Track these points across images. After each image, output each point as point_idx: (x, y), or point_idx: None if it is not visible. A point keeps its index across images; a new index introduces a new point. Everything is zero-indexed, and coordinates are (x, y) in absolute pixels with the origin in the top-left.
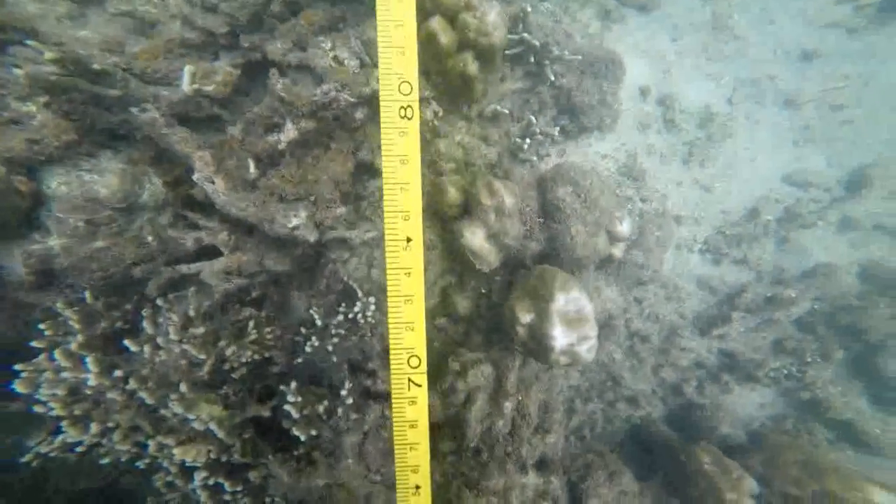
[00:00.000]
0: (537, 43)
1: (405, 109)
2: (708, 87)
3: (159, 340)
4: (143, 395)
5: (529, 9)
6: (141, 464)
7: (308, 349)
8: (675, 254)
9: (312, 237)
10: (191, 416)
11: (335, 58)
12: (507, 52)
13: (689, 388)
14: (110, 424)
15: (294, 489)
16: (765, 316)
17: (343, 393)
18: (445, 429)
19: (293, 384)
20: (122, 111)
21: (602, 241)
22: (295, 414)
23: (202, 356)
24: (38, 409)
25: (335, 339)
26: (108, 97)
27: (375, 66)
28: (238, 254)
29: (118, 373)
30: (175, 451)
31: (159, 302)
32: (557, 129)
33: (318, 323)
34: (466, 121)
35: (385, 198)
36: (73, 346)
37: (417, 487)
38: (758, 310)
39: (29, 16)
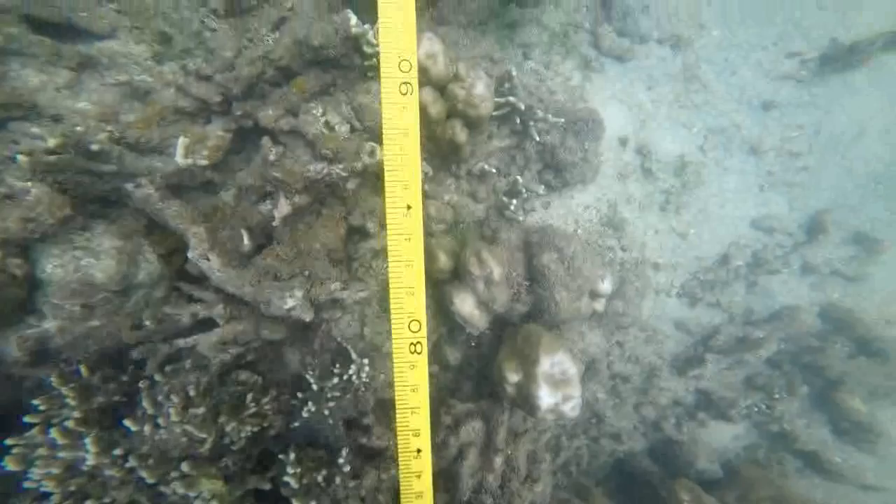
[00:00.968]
0: (522, 106)
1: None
2: (681, 135)
3: (160, 421)
4: (143, 473)
5: (515, 72)
6: None
7: (305, 414)
8: (654, 298)
9: (308, 317)
10: (192, 494)
11: (326, 123)
12: (494, 112)
13: (668, 425)
14: (107, 500)
15: None
16: (736, 356)
17: (340, 461)
18: (439, 480)
19: (292, 455)
20: (115, 178)
21: (585, 303)
22: (294, 484)
23: (203, 435)
24: (28, 485)
25: (331, 403)
26: (103, 171)
27: (365, 130)
28: (234, 324)
29: (118, 451)
30: None
31: (157, 377)
32: (542, 186)
33: (314, 387)
34: (455, 178)
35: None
36: (71, 424)
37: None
38: (730, 350)
39: (31, 89)
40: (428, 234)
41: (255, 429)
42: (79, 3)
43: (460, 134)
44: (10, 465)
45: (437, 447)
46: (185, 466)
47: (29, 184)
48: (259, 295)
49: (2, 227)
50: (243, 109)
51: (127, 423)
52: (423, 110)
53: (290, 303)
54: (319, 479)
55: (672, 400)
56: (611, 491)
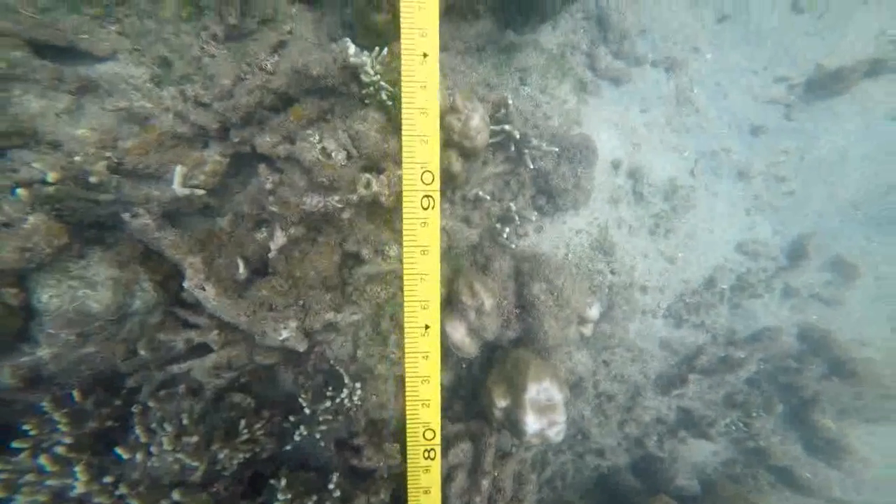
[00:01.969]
0: (518, 135)
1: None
2: (672, 159)
3: (152, 449)
4: (133, 501)
5: (511, 99)
6: None
7: (297, 437)
8: (641, 319)
9: (302, 347)
10: None
11: (323, 149)
12: (490, 139)
13: (650, 442)
14: None
15: None
16: (718, 376)
17: (331, 486)
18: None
19: (283, 481)
20: (113, 205)
21: (573, 331)
22: None
23: (196, 463)
24: None
25: (322, 427)
26: (100, 200)
27: (361, 157)
28: (228, 349)
29: (108, 478)
30: None
31: (150, 403)
32: (535, 212)
33: (307, 411)
34: (450, 203)
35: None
36: (61, 450)
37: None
38: (712, 369)
39: (31, 115)
40: None
41: (248, 455)
42: (82, 26)
43: (455, 164)
44: None
45: None
46: (175, 494)
47: (27, 214)
48: (254, 326)
49: None
50: (241, 136)
51: (119, 451)
52: None
53: (285, 334)
54: None
55: (655, 418)
56: None
